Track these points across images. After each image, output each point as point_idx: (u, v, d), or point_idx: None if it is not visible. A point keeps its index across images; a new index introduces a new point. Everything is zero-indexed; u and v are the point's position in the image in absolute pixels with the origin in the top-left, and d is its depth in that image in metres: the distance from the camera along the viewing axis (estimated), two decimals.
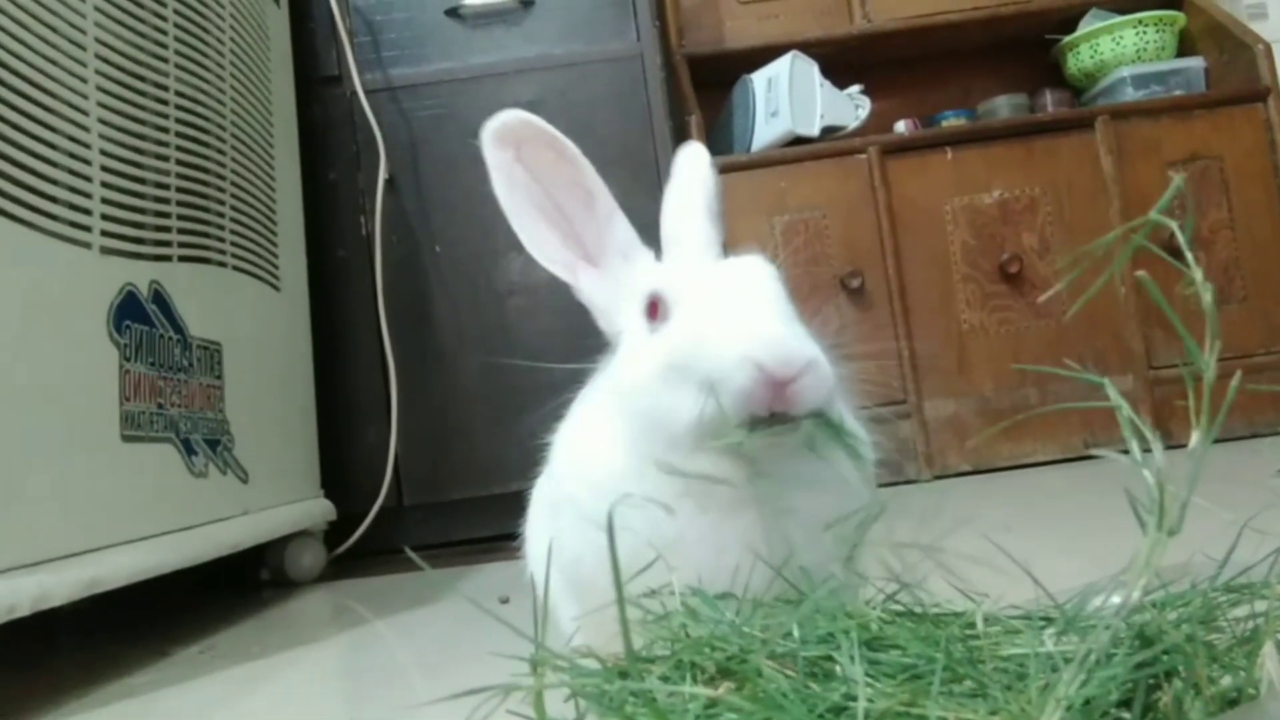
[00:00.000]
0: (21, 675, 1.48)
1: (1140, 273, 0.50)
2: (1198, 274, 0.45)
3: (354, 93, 2.34)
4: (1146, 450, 0.46)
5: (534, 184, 0.76)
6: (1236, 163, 2.52)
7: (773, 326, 0.62)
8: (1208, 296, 0.45)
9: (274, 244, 2.05)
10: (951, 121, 2.83)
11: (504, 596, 1.62)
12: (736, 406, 0.60)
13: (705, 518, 0.65)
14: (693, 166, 0.80)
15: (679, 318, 0.67)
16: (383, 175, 2.32)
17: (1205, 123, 2.54)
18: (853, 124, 2.66)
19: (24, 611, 1.14)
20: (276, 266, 2.06)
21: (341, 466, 2.30)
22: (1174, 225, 0.48)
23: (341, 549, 2.19)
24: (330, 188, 2.38)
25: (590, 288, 0.76)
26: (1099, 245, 0.55)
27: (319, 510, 2.12)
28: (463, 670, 1.18)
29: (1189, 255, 0.46)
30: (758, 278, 0.67)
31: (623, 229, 0.76)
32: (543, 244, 0.76)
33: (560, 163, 0.75)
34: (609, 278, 0.75)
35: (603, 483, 0.69)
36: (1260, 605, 0.50)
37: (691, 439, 0.64)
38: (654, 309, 0.69)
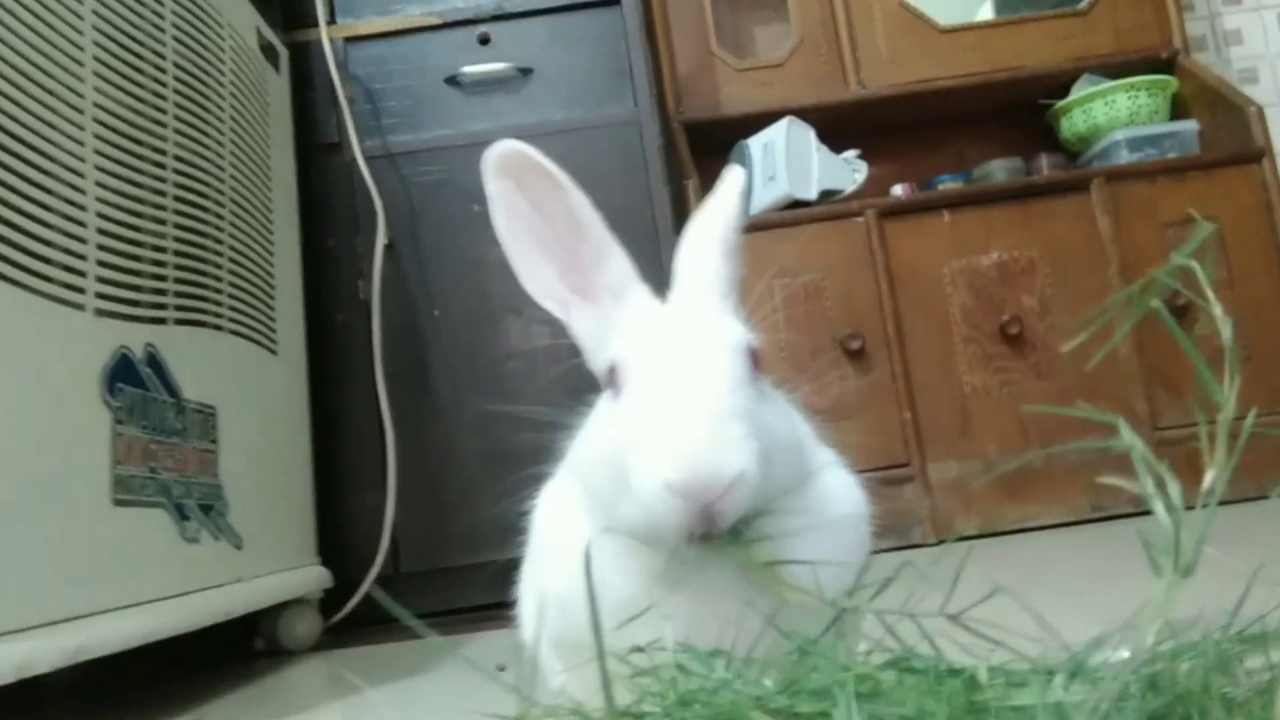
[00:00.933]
0: None
1: (1155, 303, 0.49)
2: (1217, 309, 0.44)
3: (354, 159, 2.36)
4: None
5: (534, 215, 0.74)
6: (1233, 224, 2.53)
7: (698, 438, 0.58)
8: (1227, 331, 0.44)
9: (271, 308, 2.05)
10: (947, 185, 2.84)
11: (501, 664, 1.59)
12: (663, 531, 0.59)
13: (680, 596, 0.63)
14: (722, 194, 0.77)
15: (625, 403, 0.65)
16: (381, 240, 2.33)
17: (1201, 184, 2.55)
18: (849, 188, 2.67)
19: (7, 679, 1.11)
20: (274, 330, 2.05)
21: (338, 532, 2.27)
22: (1195, 265, 0.47)
23: (337, 617, 2.15)
24: (329, 252, 2.39)
25: (580, 326, 0.74)
26: (1126, 295, 0.53)
27: (314, 578, 2.09)
28: None
29: (1210, 293, 0.45)
30: (706, 354, 0.63)
31: (616, 265, 0.73)
32: (538, 277, 0.75)
33: (556, 194, 0.73)
34: (599, 316, 0.73)
35: (575, 563, 0.67)
36: (1275, 654, 0.48)
37: (633, 539, 0.63)
38: (613, 376, 0.67)
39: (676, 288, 0.72)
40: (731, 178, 0.78)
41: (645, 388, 0.63)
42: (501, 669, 1.56)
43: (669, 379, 0.62)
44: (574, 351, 0.79)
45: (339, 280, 2.39)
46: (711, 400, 0.60)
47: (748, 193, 0.77)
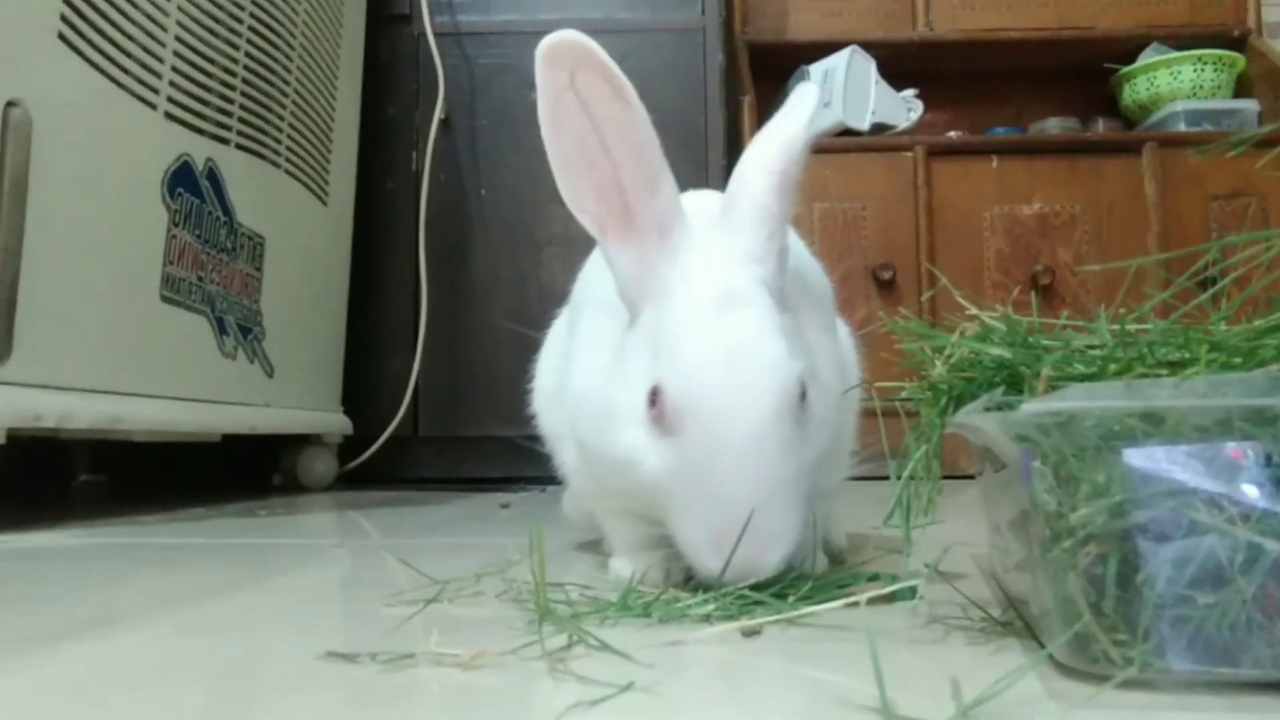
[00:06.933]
0: (44, 508, 1.54)
1: None
2: None
3: (422, 33, 2.41)
4: None
5: (582, 117, 0.66)
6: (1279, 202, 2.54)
7: (748, 545, 0.60)
8: None
9: (327, 160, 2.12)
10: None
11: (505, 502, 1.67)
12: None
13: None
14: (787, 117, 0.70)
15: (677, 444, 0.63)
16: (438, 115, 2.39)
17: (1252, 161, 2.55)
18: (903, 124, 2.69)
19: (49, 423, 1.20)
20: (327, 182, 2.12)
21: (363, 390, 2.36)
22: None
23: (354, 464, 2.24)
24: (387, 121, 2.45)
25: (616, 254, 0.69)
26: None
27: (336, 422, 2.18)
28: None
29: None
30: (757, 397, 0.62)
31: (666, 195, 0.67)
32: (577, 189, 0.68)
33: (614, 101, 0.66)
34: (638, 249, 0.68)
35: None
36: None
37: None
38: (654, 400, 0.64)
39: (725, 221, 0.69)
40: (802, 96, 0.72)
41: (696, 442, 0.62)
42: (505, 506, 1.64)
43: (721, 446, 0.62)
44: None
45: (393, 150, 2.45)
46: (762, 484, 0.61)
47: (815, 119, 0.71)
